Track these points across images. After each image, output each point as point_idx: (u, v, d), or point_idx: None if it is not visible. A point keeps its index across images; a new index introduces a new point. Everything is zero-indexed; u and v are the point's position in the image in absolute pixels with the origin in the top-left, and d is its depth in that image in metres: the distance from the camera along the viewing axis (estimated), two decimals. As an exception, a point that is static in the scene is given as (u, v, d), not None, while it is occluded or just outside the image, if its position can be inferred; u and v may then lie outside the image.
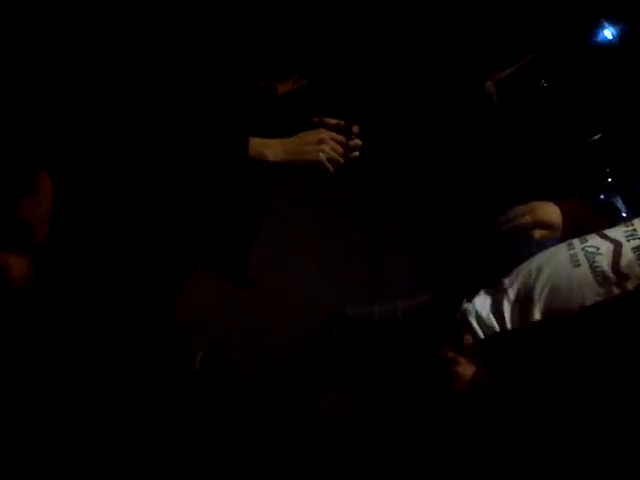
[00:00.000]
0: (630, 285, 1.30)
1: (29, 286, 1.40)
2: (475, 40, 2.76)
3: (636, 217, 1.48)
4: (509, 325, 1.39)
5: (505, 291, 1.44)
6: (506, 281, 1.47)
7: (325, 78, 2.22)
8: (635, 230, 1.40)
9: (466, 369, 1.30)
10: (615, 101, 2.58)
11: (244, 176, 1.47)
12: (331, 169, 1.34)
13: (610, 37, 2.49)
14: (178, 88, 1.44)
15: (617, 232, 1.43)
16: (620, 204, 2.37)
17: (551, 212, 1.48)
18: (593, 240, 1.42)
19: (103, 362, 1.71)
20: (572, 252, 1.41)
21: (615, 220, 1.55)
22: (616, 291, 1.30)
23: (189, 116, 1.37)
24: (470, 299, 1.49)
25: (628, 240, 1.37)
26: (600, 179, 2.55)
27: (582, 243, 1.42)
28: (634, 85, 2.55)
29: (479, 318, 1.44)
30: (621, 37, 2.52)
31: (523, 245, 1.60)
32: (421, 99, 2.91)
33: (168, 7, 1.47)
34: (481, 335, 1.42)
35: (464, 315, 1.47)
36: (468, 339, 1.41)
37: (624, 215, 2.52)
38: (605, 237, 1.42)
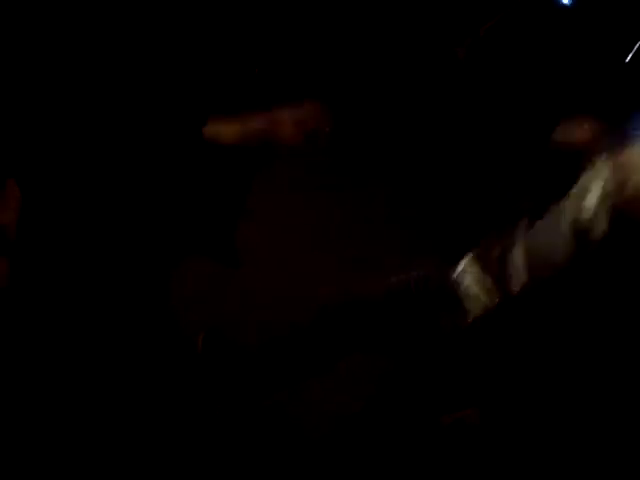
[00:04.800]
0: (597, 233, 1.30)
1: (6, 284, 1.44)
2: (447, 6, 2.78)
3: None
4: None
5: (489, 254, 1.48)
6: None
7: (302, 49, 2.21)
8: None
9: None
10: (575, 60, 2.65)
11: (206, 155, 1.46)
12: (288, 145, 1.34)
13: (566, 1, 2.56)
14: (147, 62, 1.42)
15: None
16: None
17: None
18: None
19: (102, 353, 1.70)
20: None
21: None
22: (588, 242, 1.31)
23: (149, 95, 1.36)
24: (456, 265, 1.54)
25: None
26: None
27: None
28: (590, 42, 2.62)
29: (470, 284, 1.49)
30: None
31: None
32: (397, 66, 2.89)
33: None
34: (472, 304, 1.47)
35: (457, 282, 1.51)
36: None
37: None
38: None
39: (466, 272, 1.52)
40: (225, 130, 1.32)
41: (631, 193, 1.27)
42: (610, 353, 1.34)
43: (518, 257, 1.41)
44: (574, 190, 1.38)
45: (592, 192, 1.33)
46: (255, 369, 1.90)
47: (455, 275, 1.54)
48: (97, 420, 1.66)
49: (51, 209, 1.46)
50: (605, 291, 1.32)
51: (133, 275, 1.69)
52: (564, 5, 2.55)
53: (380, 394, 1.79)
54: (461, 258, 1.57)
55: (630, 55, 2.54)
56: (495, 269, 1.46)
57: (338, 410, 1.97)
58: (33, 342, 1.59)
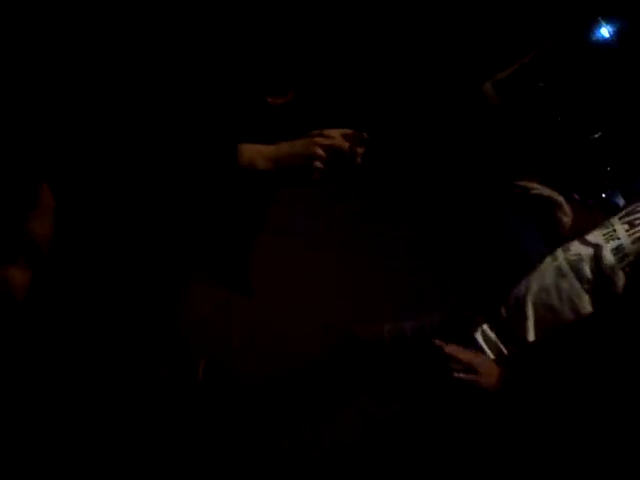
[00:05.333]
0: (615, 288, 1.29)
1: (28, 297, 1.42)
2: (473, 42, 2.77)
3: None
4: (505, 349, 1.39)
5: (499, 307, 1.44)
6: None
7: (324, 86, 2.23)
8: (614, 230, 1.38)
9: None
10: (613, 99, 2.58)
11: (239, 183, 1.46)
12: (319, 175, 1.30)
13: (607, 35, 2.50)
14: (178, 91, 1.44)
15: (597, 235, 1.41)
16: (621, 202, 2.38)
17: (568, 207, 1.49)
18: (575, 248, 1.41)
19: (105, 371, 1.71)
20: (556, 264, 1.40)
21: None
22: (603, 297, 1.30)
23: (182, 123, 1.37)
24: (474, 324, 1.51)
25: (607, 242, 1.36)
26: (601, 177, 2.56)
27: (565, 253, 1.41)
28: (631, 83, 2.56)
29: (484, 335, 1.44)
30: (618, 35, 2.53)
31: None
32: (421, 101, 2.90)
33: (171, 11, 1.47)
34: (487, 350, 1.41)
35: (470, 331, 1.46)
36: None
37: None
38: (585, 242, 1.40)
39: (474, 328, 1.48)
40: (260, 158, 1.31)
41: None
42: (621, 412, 1.25)
43: (529, 309, 1.38)
44: (587, 248, 1.37)
45: (608, 249, 1.34)
46: (253, 403, 1.86)
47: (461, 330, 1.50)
48: (90, 440, 1.64)
49: (84, 216, 1.46)
50: (620, 348, 1.26)
51: (147, 292, 1.68)
52: (604, 39, 2.48)
53: (378, 441, 1.73)
54: (467, 312, 1.54)
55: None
56: (503, 326, 1.43)
57: (334, 451, 1.93)
58: (43, 356, 1.57)
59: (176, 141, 1.35)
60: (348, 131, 1.36)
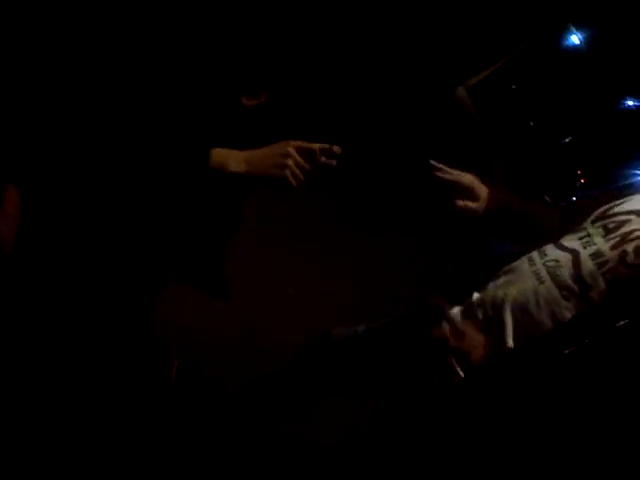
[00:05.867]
0: (595, 295, 1.30)
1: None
2: (446, 48, 2.79)
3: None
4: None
5: (475, 309, 1.44)
6: (475, 297, 1.49)
7: (298, 89, 2.23)
8: (589, 236, 1.38)
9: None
10: (584, 103, 2.62)
11: (212, 186, 1.46)
12: (294, 184, 1.31)
13: (577, 42, 2.54)
14: (152, 90, 1.43)
15: (573, 241, 1.41)
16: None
17: (482, 188, 1.49)
18: (551, 252, 1.40)
19: (78, 372, 1.69)
20: (534, 269, 1.39)
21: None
22: (582, 303, 1.30)
23: (154, 122, 1.36)
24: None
25: (584, 247, 1.36)
26: (572, 180, 2.59)
27: (542, 258, 1.40)
28: (601, 88, 2.60)
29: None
30: (588, 42, 2.57)
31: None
32: (394, 106, 2.92)
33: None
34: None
35: (443, 334, 1.45)
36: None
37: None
38: (562, 247, 1.40)
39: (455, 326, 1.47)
40: (232, 160, 1.32)
41: (632, 259, 1.28)
42: (604, 414, 1.27)
43: (507, 315, 1.37)
44: (565, 254, 1.38)
45: (586, 255, 1.34)
46: (227, 405, 1.85)
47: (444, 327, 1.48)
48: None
49: (52, 216, 1.45)
50: (600, 351, 1.27)
51: (121, 290, 1.66)
52: (575, 45, 2.52)
53: (358, 441, 1.73)
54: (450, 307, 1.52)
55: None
56: (484, 326, 1.42)
57: (311, 453, 1.92)
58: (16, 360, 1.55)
59: (148, 141, 1.34)
60: (320, 145, 1.35)
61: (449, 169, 1.48)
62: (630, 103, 2.51)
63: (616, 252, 1.32)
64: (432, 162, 1.48)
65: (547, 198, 2.57)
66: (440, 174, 1.47)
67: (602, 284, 1.30)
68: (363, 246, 2.83)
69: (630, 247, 1.30)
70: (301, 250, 2.68)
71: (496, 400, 1.34)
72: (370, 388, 1.68)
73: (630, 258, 1.29)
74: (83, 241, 1.51)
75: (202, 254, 2.05)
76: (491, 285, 1.46)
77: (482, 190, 1.49)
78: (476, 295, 1.48)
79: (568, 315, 1.32)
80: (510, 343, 1.35)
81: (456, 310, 1.51)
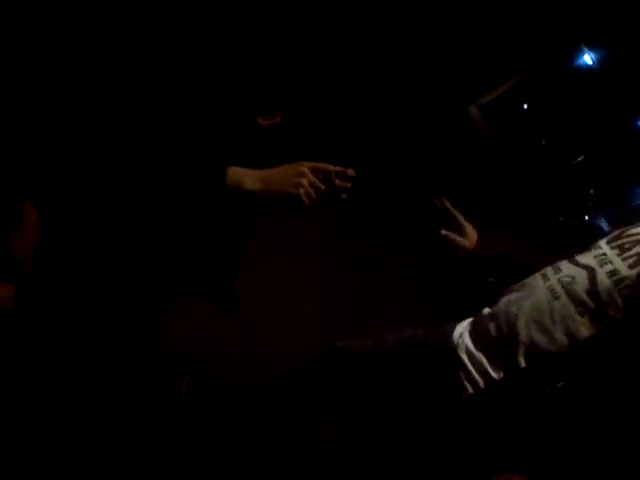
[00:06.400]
0: (612, 312, 1.29)
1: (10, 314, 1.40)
2: (457, 66, 2.80)
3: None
4: (492, 371, 1.39)
5: (487, 324, 1.45)
6: (486, 313, 1.49)
7: (313, 110, 2.24)
8: (605, 254, 1.39)
9: None
10: (596, 123, 2.62)
11: (225, 203, 1.47)
12: (307, 203, 1.33)
13: (590, 62, 2.54)
14: (169, 108, 1.45)
15: (588, 258, 1.42)
16: (604, 224, 2.40)
17: (473, 232, 1.64)
18: (566, 269, 1.41)
19: (88, 385, 1.69)
20: (548, 284, 1.40)
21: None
22: (598, 320, 1.30)
23: (169, 140, 1.38)
24: (454, 329, 1.50)
25: (601, 266, 1.36)
26: (584, 200, 2.58)
27: (556, 273, 1.41)
28: (614, 108, 2.60)
29: (469, 354, 1.43)
30: (600, 61, 2.57)
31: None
32: (406, 125, 2.93)
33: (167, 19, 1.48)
34: (472, 370, 1.41)
35: (454, 349, 1.46)
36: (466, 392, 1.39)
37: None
38: (577, 264, 1.41)
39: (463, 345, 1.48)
40: (248, 178, 1.34)
41: None
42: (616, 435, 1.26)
43: (521, 330, 1.37)
44: (580, 270, 1.38)
45: (602, 273, 1.34)
46: (235, 418, 1.84)
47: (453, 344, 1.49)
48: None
49: (69, 231, 1.46)
50: (614, 372, 1.28)
51: (133, 307, 1.68)
52: (587, 65, 2.52)
53: (362, 457, 1.71)
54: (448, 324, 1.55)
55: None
56: (490, 346, 1.42)
57: (317, 466, 1.90)
58: (28, 370, 1.56)
59: (166, 157, 1.36)
60: (335, 168, 1.37)
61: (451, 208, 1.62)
62: (643, 123, 2.51)
63: (634, 271, 1.32)
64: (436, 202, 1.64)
65: (560, 217, 2.56)
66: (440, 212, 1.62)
67: (619, 301, 1.30)
68: (375, 261, 2.83)
69: None
70: (312, 265, 2.68)
71: (506, 418, 1.33)
72: (377, 403, 1.67)
73: None
74: (98, 254, 1.53)
75: (214, 269, 2.06)
76: (503, 300, 1.46)
77: (472, 233, 1.63)
78: (487, 310, 1.48)
79: (584, 332, 1.31)
80: (522, 363, 1.34)
81: (465, 323, 1.51)
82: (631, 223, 1.46)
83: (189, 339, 2.19)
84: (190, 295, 2.06)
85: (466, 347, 1.45)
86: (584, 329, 1.31)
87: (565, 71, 2.61)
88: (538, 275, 1.45)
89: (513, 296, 1.45)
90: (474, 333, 1.48)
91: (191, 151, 1.40)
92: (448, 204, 1.64)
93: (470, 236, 1.63)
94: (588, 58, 2.56)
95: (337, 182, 1.37)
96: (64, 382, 1.60)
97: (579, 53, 2.58)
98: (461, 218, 1.64)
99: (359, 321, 2.48)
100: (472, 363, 1.42)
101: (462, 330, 1.51)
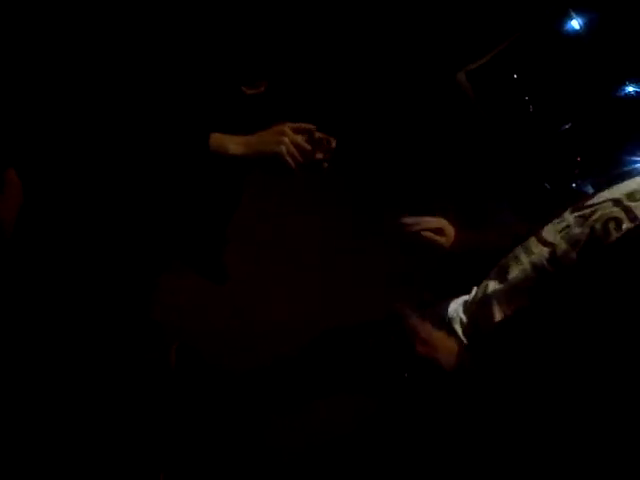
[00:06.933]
0: (564, 260, 1.35)
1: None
2: (446, 32, 2.78)
3: None
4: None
5: (471, 309, 1.52)
6: (472, 296, 1.55)
7: (297, 78, 2.22)
8: (569, 226, 1.41)
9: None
10: (584, 90, 2.61)
11: (210, 169, 1.47)
12: (291, 163, 1.34)
13: (577, 27, 2.53)
14: (153, 77, 1.44)
15: (553, 233, 1.44)
16: (591, 191, 2.41)
17: (449, 228, 1.64)
18: (536, 249, 1.45)
19: (78, 356, 1.70)
20: (522, 267, 1.44)
21: None
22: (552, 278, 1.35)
23: (155, 107, 1.37)
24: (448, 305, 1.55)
25: (563, 239, 1.39)
26: (571, 167, 2.59)
27: (528, 255, 1.45)
28: (601, 75, 2.59)
29: (462, 324, 1.49)
30: (588, 27, 2.56)
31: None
32: (394, 92, 2.91)
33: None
34: (464, 340, 1.45)
35: (449, 322, 1.51)
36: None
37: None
38: (544, 242, 1.44)
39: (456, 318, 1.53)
40: (231, 142, 1.35)
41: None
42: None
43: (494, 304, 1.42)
44: (545, 248, 1.42)
45: (563, 244, 1.38)
46: (226, 392, 1.85)
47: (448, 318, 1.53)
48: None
49: (52, 199, 1.48)
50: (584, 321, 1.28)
51: (121, 277, 1.68)
52: (575, 31, 2.50)
53: (356, 438, 1.74)
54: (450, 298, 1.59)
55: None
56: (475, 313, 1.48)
57: (309, 449, 1.93)
58: (17, 344, 1.56)
59: (148, 125, 1.35)
60: (318, 133, 1.39)
61: (417, 221, 1.60)
62: (630, 89, 2.50)
63: (584, 227, 1.36)
64: (403, 220, 1.60)
65: (546, 185, 2.57)
66: (409, 228, 1.59)
67: (574, 255, 1.33)
68: (372, 243, 2.83)
69: (598, 224, 1.33)
70: (308, 243, 2.68)
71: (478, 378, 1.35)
72: (373, 384, 1.70)
73: (598, 232, 1.32)
74: (83, 224, 1.53)
75: (201, 238, 2.05)
76: (482, 286, 1.52)
77: (449, 230, 1.63)
78: (473, 292, 1.52)
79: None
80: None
81: (460, 300, 1.54)
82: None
83: (178, 310, 2.19)
84: (178, 265, 2.06)
85: (460, 318, 1.52)
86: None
87: (553, 36, 2.59)
88: (512, 257, 1.48)
89: (490, 283, 1.49)
90: (466, 307, 1.54)
91: (176, 119, 1.39)
92: (409, 219, 1.63)
93: (447, 233, 1.62)
94: (575, 23, 2.54)
95: (319, 149, 1.39)
96: (52, 349, 1.60)
97: (566, 18, 2.56)
98: (435, 220, 1.63)
99: (354, 300, 2.48)
100: (465, 335, 1.47)
101: (456, 306, 1.56)
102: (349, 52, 2.80)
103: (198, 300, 2.27)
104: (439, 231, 1.61)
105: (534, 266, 1.40)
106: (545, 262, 1.38)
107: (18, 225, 1.38)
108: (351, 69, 2.83)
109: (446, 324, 1.52)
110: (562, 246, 1.37)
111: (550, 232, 1.45)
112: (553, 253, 1.38)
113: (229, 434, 1.92)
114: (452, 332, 1.48)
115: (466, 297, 1.59)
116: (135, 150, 1.36)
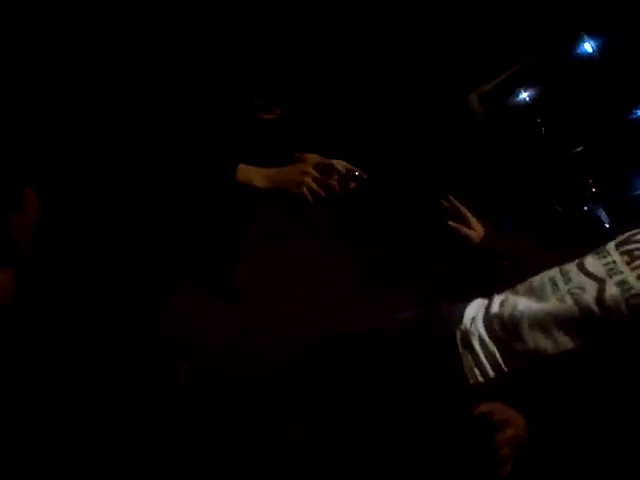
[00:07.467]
0: (615, 318, 1.31)
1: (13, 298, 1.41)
2: (459, 54, 2.79)
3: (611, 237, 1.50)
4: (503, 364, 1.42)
5: (493, 321, 1.47)
6: (495, 308, 1.50)
7: (312, 104, 2.24)
8: (614, 262, 1.40)
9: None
10: (596, 112, 2.62)
11: (232, 198, 1.50)
12: (310, 200, 1.38)
13: (590, 50, 2.54)
14: (177, 104, 1.46)
15: (596, 265, 1.42)
16: (603, 215, 2.40)
17: (479, 226, 1.67)
18: (577, 279, 1.42)
19: (87, 372, 1.70)
20: (559, 295, 1.41)
21: (598, 231, 1.58)
22: (600, 325, 1.32)
23: (182, 138, 1.39)
24: (463, 312, 1.51)
25: (610, 277, 1.37)
26: (583, 190, 2.59)
27: (567, 284, 1.42)
28: (613, 97, 2.59)
29: (482, 342, 1.45)
30: (601, 50, 2.56)
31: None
32: (406, 112, 2.92)
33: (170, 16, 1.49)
34: (483, 359, 1.43)
35: (465, 333, 1.48)
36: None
37: (607, 226, 2.56)
38: (587, 273, 1.42)
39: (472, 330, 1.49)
40: (256, 175, 1.39)
41: None
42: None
43: (526, 335, 1.40)
44: (591, 282, 1.39)
45: (612, 284, 1.36)
46: (237, 407, 1.84)
47: (461, 329, 1.50)
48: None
49: (70, 218, 1.49)
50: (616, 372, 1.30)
51: (133, 295, 1.69)
52: (588, 54, 2.51)
53: (365, 441, 1.72)
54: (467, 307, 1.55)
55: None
56: (500, 340, 1.43)
57: (320, 454, 1.92)
58: (28, 357, 1.56)
59: (174, 151, 1.37)
60: (347, 166, 1.41)
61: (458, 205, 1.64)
62: (642, 113, 2.51)
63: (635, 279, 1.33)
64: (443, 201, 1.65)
65: (558, 208, 2.57)
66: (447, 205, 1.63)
67: (624, 309, 1.31)
68: (374, 246, 2.83)
69: None
70: (310, 251, 2.68)
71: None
72: (377, 389, 1.68)
73: None
74: (99, 241, 1.53)
75: (213, 257, 2.06)
76: (510, 301, 1.48)
77: (479, 227, 1.64)
78: (496, 302, 1.50)
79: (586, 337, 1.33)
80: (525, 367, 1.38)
81: (474, 306, 1.54)
82: (633, 218, 1.46)
83: (187, 328, 2.19)
84: (188, 283, 2.06)
85: (479, 334, 1.47)
86: (587, 335, 1.33)
87: (566, 59, 2.60)
88: (547, 281, 1.45)
89: (520, 300, 1.47)
90: (487, 320, 1.49)
91: (198, 147, 1.41)
92: (453, 199, 1.67)
93: (477, 230, 1.65)
94: (588, 46, 2.54)
95: (343, 175, 1.41)
96: (64, 367, 1.60)
97: (580, 41, 2.57)
98: (467, 212, 1.66)
99: (357, 305, 2.48)
100: (484, 352, 1.44)
101: (473, 315, 1.52)
102: (362, 75, 2.82)
103: (207, 318, 2.27)
104: (469, 225, 1.64)
105: (578, 302, 1.37)
106: (592, 302, 1.35)
107: (34, 244, 1.39)
108: (365, 92, 2.85)
109: (462, 332, 1.49)
110: (611, 290, 1.35)
111: (593, 264, 1.43)
112: (600, 293, 1.36)
113: (236, 448, 1.91)
114: (468, 346, 1.45)
115: (482, 301, 1.55)
116: (163, 177, 1.38)
